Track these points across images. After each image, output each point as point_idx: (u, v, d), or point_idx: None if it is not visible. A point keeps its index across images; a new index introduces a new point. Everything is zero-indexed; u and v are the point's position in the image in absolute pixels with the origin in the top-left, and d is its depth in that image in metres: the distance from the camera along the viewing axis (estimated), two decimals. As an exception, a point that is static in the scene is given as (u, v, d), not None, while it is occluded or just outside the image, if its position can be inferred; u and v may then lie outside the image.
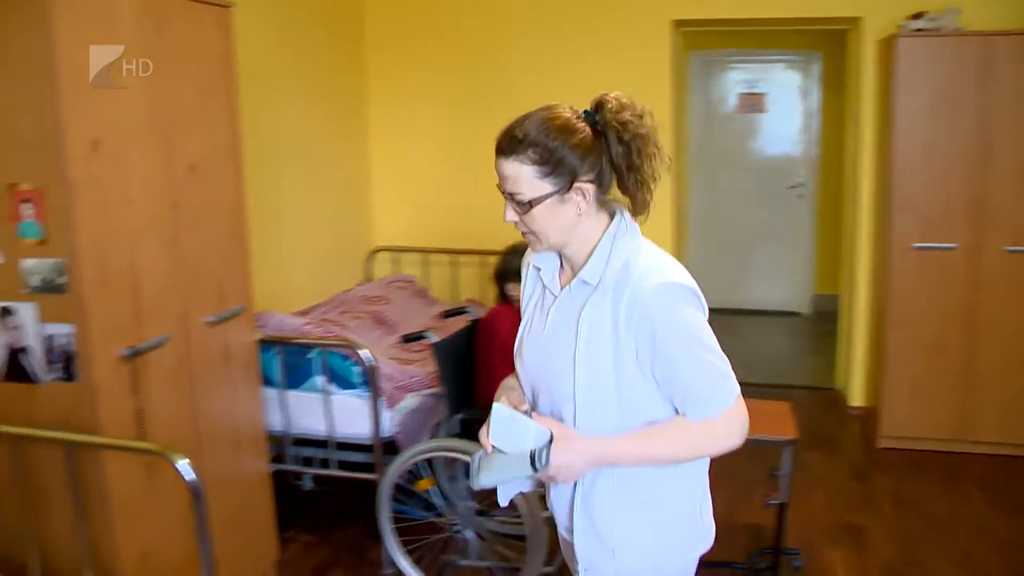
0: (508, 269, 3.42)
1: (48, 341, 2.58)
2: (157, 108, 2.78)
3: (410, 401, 3.81)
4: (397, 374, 3.87)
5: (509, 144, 1.76)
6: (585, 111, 1.79)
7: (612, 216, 1.84)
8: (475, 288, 5.36)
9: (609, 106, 1.76)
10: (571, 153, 1.74)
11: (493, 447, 1.84)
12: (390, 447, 3.65)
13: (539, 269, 1.95)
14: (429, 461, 3.45)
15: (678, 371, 1.76)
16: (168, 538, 2.87)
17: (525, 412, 1.87)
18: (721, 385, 1.78)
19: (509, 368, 3.31)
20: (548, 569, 3.27)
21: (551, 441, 1.79)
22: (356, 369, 3.68)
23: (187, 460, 2.39)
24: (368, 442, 3.63)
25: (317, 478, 3.94)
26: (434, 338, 3.54)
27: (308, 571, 3.63)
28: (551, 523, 3.16)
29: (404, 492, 3.53)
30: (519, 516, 3.20)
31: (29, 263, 2.53)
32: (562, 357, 1.82)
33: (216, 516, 2.77)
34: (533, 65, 5.33)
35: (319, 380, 3.69)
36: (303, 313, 4.51)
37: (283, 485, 3.83)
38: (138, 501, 2.74)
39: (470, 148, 5.38)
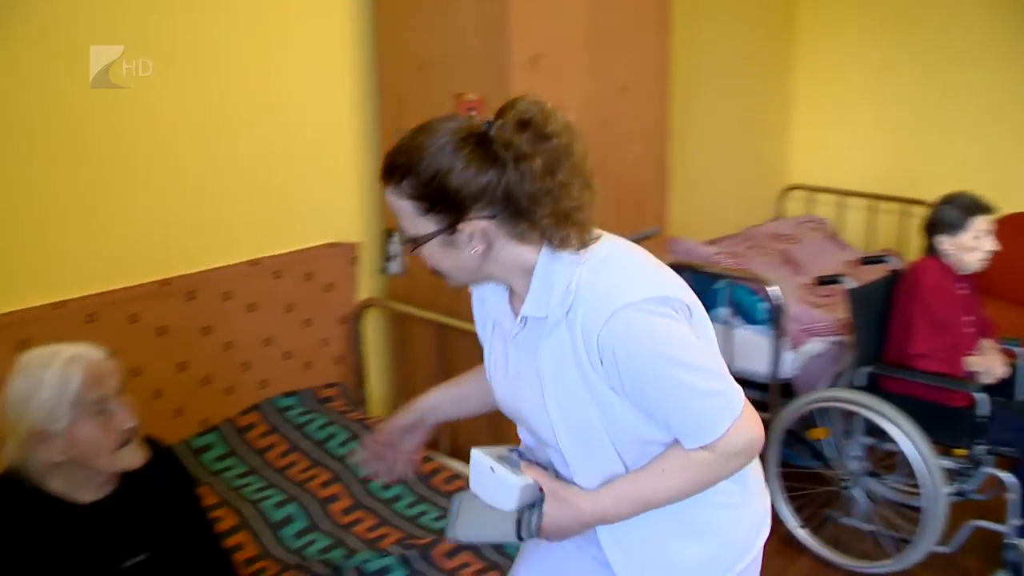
0: (941, 220, 3.11)
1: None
2: (593, 29, 2.84)
3: (814, 345, 3.65)
4: (804, 316, 3.72)
5: (387, 172, 1.42)
6: (486, 123, 1.39)
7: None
8: (892, 238, 4.95)
9: (503, 119, 1.37)
10: (454, 185, 1.36)
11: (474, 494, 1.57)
12: (786, 390, 3.54)
13: (483, 300, 1.61)
14: (825, 410, 3.29)
15: (659, 403, 1.42)
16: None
17: (516, 455, 1.58)
18: (711, 405, 1.41)
19: (927, 328, 3.06)
20: (942, 549, 3.01)
21: (540, 500, 1.50)
22: (762, 305, 3.58)
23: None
24: (765, 381, 3.54)
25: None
26: (850, 284, 3.33)
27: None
28: (953, 498, 2.92)
29: (795, 438, 3.40)
30: (915, 484, 2.96)
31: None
32: (533, 399, 1.50)
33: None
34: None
35: (723, 312, 3.65)
36: (712, 243, 4.47)
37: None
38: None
39: (900, 91, 4.94)
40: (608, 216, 2.93)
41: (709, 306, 3.53)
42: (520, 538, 1.51)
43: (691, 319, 1.46)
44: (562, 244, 1.42)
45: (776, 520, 3.36)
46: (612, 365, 1.39)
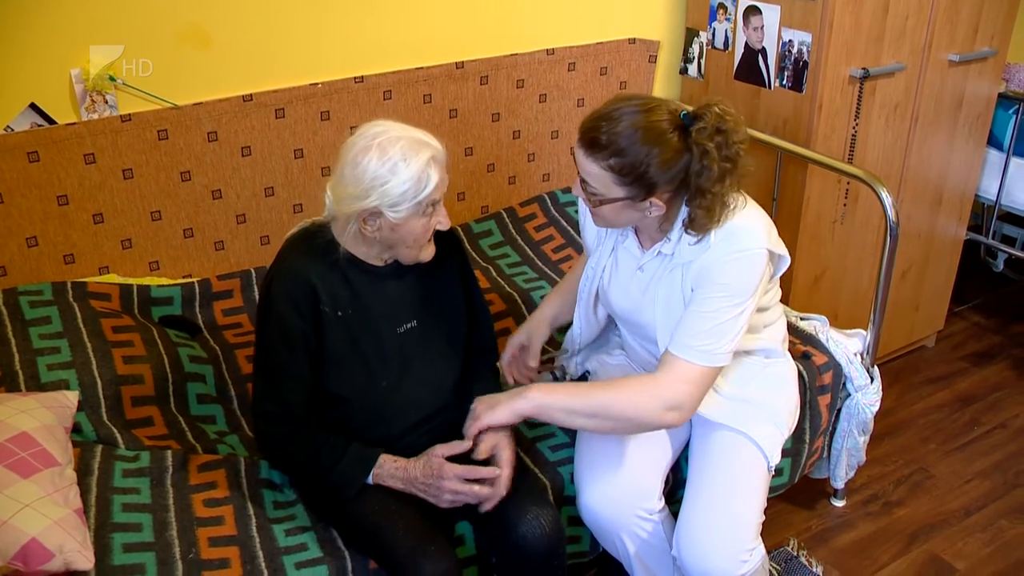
0: None
1: (785, 47, 2.56)
2: None
3: None
4: None
5: (592, 144, 1.64)
6: (683, 114, 1.62)
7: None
8: None
9: (704, 123, 1.60)
10: (654, 170, 1.61)
11: None
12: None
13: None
14: None
15: (692, 309, 1.71)
16: (842, 267, 2.86)
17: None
18: (709, 343, 1.69)
19: None
20: None
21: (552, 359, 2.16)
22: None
23: (891, 196, 2.27)
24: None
25: (1012, 262, 3.57)
26: None
27: (969, 352, 3.38)
28: None
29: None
30: None
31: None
32: (649, 309, 1.84)
33: (896, 263, 2.66)
34: None
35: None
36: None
37: (971, 257, 3.54)
38: (826, 223, 2.74)
39: None
40: (937, 28, 2.64)
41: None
42: (556, 379, 2.15)
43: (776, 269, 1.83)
44: (695, 226, 1.68)
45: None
46: (699, 283, 1.71)
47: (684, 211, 1.71)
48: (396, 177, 1.63)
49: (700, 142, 1.59)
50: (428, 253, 1.79)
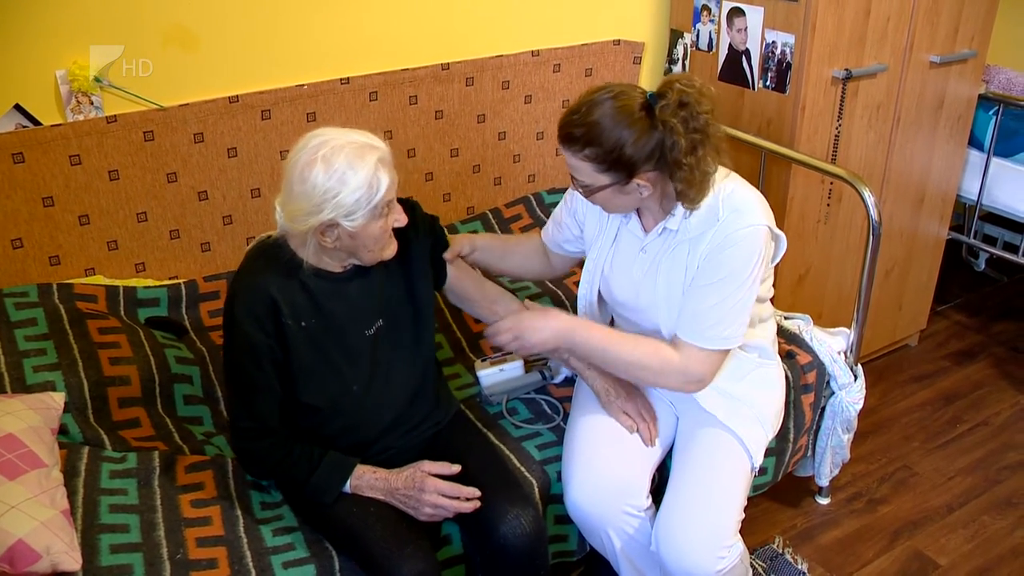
0: None
1: (768, 48, 2.58)
2: None
3: None
4: None
5: (567, 139, 1.71)
6: (649, 95, 1.68)
7: None
8: None
9: (666, 100, 1.65)
10: (629, 151, 1.67)
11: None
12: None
13: (605, 214, 1.94)
14: None
15: (704, 297, 1.77)
16: (826, 267, 2.88)
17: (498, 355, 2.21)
18: (721, 330, 1.78)
19: None
20: None
21: (542, 360, 2.22)
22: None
23: (874, 196, 2.29)
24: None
25: (993, 262, 3.59)
26: None
27: (952, 351, 3.41)
28: None
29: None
30: None
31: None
32: (649, 296, 1.88)
33: (879, 263, 2.68)
34: None
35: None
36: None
37: (953, 257, 3.57)
38: (810, 223, 2.76)
39: None
40: (918, 30, 2.67)
41: (1018, 147, 3.23)
42: (545, 378, 2.22)
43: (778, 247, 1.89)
44: (683, 198, 1.73)
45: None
46: (707, 263, 1.76)
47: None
48: (346, 187, 1.60)
49: (665, 119, 1.65)
50: (390, 251, 1.78)
